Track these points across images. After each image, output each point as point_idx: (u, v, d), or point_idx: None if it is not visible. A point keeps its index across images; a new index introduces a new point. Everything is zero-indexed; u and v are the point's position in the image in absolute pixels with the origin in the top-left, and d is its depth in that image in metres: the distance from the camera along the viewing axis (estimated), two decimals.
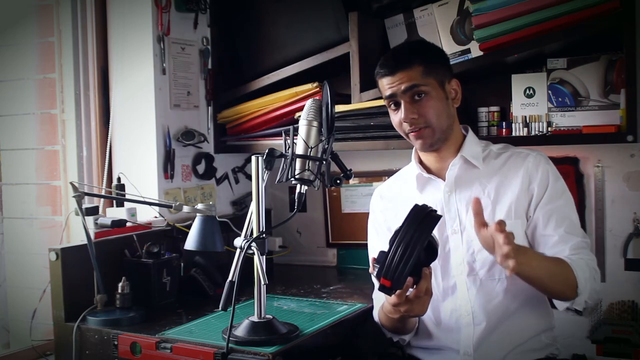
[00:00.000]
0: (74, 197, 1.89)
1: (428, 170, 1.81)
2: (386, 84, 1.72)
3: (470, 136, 1.80)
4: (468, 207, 1.72)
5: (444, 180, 1.77)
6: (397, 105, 1.72)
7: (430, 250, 1.52)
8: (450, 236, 1.74)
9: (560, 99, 2.08)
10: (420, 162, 1.83)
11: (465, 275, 1.72)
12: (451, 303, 1.74)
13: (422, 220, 1.47)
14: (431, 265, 1.74)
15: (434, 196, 1.77)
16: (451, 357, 1.75)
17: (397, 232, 1.47)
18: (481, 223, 1.52)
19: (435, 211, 1.51)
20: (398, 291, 1.48)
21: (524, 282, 1.66)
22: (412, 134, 1.72)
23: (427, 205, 1.51)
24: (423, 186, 1.81)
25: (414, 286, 1.51)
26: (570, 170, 2.19)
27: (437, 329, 1.77)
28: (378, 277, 1.48)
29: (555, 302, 1.66)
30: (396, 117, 1.74)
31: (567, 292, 1.60)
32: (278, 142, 2.30)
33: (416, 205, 1.51)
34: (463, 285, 1.72)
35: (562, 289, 1.60)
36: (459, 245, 1.73)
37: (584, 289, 1.59)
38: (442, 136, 1.73)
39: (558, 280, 1.59)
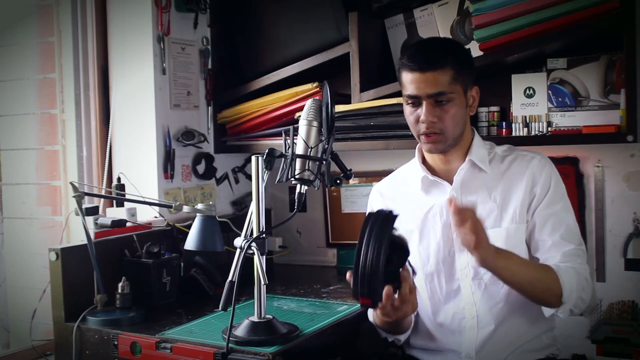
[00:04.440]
0: (74, 197, 1.89)
1: (432, 171, 1.80)
2: (412, 81, 1.65)
3: (477, 139, 1.79)
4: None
5: (450, 182, 1.76)
6: (417, 103, 1.68)
7: (400, 250, 1.50)
8: (455, 239, 1.73)
9: (560, 99, 2.08)
10: (424, 162, 1.82)
11: (470, 279, 1.72)
12: (453, 306, 1.74)
13: (377, 226, 1.45)
14: (434, 268, 1.75)
15: (439, 198, 1.76)
16: (452, 358, 1.74)
17: (357, 245, 1.44)
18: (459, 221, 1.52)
19: (390, 212, 1.49)
20: (381, 303, 1.48)
21: None
22: (424, 136, 1.69)
23: (380, 211, 1.50)
24: (428, 188, 1.80)
25: (397, 292, 1.50)
26: (570, 170, 2.19)
27: (438, 331, 1.77)
28: (355, 297, 1.46)
29: (542, 307, 1.67)
30: (412, 115, 1.70)
31: (550, 299, 1.61)
32: (278, 142, 2.30)
33: (369, 214, 1.49)
34: (467, 289, 1.72)
35: (545, 297, 1.61)
36: (464, 249, 1.71)
37: (569, 298, 1.59)
38: (453, 142, 1.72)
39: (540, 287, 1.60)
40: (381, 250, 1.42)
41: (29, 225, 2.36)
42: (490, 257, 1.53)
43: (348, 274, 1.48)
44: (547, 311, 1.66)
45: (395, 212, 1.50)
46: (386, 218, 1.47)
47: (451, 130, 1.68)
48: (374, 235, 1.44)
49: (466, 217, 1.49)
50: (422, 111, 1.67)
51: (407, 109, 1.72)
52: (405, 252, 1.52)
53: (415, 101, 1.68)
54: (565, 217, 1.70)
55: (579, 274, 1.62)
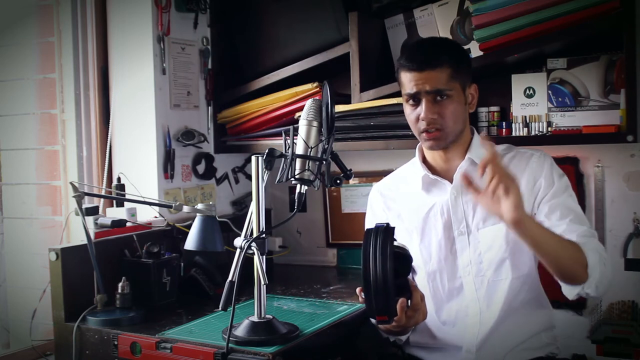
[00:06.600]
0: (74, 197, 1.89)
1: (433, 170, 1.81)
2: (410, 80, 1.68)
3: (477, 138, 1.80)
4: (475, 209, 1.72)
5: (450, 181, 1.76)
6: (416, 102, 1.70)
7: (404, 260, 1.52)
8: (457, 237, 1.74)
9: (560, 99, 2.08)
10: (424, 161, 1.83)
11: (473, 276, 1.72)
12: (456, 304, 1.75)
13: (379, 241, 1.47)
14: (437, 267, 1.75)
15: (440, 197, 1.77)
16: (452, 355, 1.75)
17: (363, 265, 1.46)
18: (475, 190, 1.49)
19: (387, 225, 1.50)
20: (397, 317, 1.50)
21: (525, 281, 1.66)
22: (425, 133, 1.71)
23: (378, 225, 1.51)
24: (428, 187, 1.81)
25: (409, 302, 1.53)
26: (570, 170, 2.19)
27: (440, 329, 1.77)
28: (371, 314, 1.49)
29: (566, 288, 1.60)
30: (413, 114, 1.72)
31: (577, 270, 1.53)
32: (278, 142, 2.30)
33: (368, 230, 1.51)
34: (470, 286, 1.72)
35: (573, 266, 1.53)
36: (466, 247, 1.73)
37: (593, 270, 1.53)
38: (453, 138, 1.73)
39: (568, 255, 1.52)
40: (387, 265, 1.44)
41: (29, 225, 2.36)
42: (526, 218, 1.47)
43: (358, 290, 1.51)
44: (572, 291, 1.58)
45: (392, 225, 1.52)
46: (385, 231, 1.48)
47: (451, 127, 1.70)
48: (379, 251, 1.45)
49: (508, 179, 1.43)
50: (421, 109, 1.69)
51: (407, 108, 1.74)
52: (409, 260, 1.54)
53: (415, 99, 1.70)
54: (572, 205, 1.68)
55: (598, 250, 1.57)
